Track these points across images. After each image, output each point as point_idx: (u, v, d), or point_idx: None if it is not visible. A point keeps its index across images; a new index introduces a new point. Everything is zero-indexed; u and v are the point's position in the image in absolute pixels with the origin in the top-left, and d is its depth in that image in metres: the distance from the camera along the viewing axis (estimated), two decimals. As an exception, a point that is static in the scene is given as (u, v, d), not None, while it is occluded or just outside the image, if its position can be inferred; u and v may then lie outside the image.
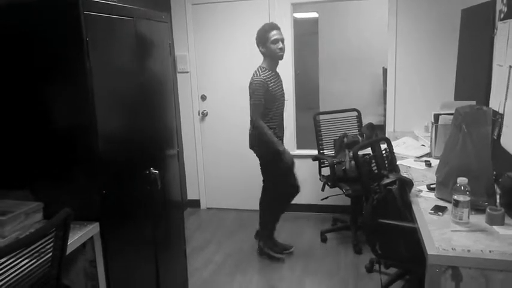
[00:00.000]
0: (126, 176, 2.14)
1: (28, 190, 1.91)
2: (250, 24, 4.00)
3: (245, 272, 3.23)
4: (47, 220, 1.82)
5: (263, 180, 3.36)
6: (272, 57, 3.11)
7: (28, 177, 1.95)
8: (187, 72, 4.30)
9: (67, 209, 1.44)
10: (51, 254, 1.43)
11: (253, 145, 3.20)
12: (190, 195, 4.58)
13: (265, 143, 3.08)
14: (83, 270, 1.89)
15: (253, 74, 3.07)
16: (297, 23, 4.26)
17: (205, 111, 4.38)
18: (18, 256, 1.28)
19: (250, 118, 3.12)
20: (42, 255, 1.39)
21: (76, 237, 1.75)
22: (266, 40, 3.08)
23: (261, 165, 3.26)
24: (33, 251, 1.33)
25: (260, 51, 3.14)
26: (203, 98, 4.36)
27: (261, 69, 3.09)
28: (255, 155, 3.22)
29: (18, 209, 1.79)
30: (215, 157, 4.43)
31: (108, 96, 1.96)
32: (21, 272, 1.31)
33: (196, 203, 4.57)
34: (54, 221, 1.40)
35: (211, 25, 4.19)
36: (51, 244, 1.42)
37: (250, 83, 3.06)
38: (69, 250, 1.63)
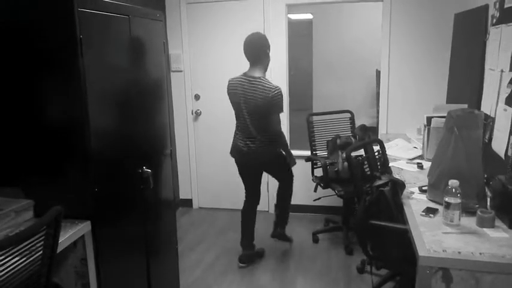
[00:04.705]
0: (119, 175, 2.12)
1: (19, 188, 1.89)
2: (244, 24, 4.00)
3: (236, 272, 3.23)
4: (38, 218, 1.81)
5: (276, 178, 3.40)
6: (265, 66, 3.08)
7: (19, 174, 1.93)
8: (181, 71, 4.29)
9: (58, 207, 1.43)
10: (41, 252, 1.42)
11: (264, 157, 3.13)
12: (183, 195, 4.57)
13: (282, 145, 3.19)
14: (73, 268, 1.88)
15: (266, 86, 2.93)
16: (291, 25, 4.27)
17: (198, 111, 4.37)
18: (8, 254, 1.27)
19: (265, 131, 3.05)
20: (33, 253, 1.38)
21: (67, 236, 1.74)
22: (269, 49, 3.07)
23: (275, 170, 3.30)
24: (23, 249, 1.32)
25: (263, 56, 3.03)
26: (197, 97, 4.35)
27: (266, 80, 3.00)
28: (257, 164, 3.20)
29: (8, 206, 1.77)
30: (208, 157, 4.42)
31: (102, 94, 1.94)
32: (11, 269, 1.30)
33: (188, 203, 4.56)
34: (45, 219, 1.39)
35: (205, 24, 4.18)
36: (42, 242, 1.40)
37: (271, 97, 2.90)
38: (59, 248, 1.61)
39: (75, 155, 1.85)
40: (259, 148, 3.08)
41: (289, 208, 3.44)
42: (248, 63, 3.09)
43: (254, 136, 3.06)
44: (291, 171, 3.33)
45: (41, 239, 1.39)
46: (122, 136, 2.14)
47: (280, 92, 2.96)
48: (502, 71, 2.33)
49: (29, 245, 1.34)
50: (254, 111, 3.00)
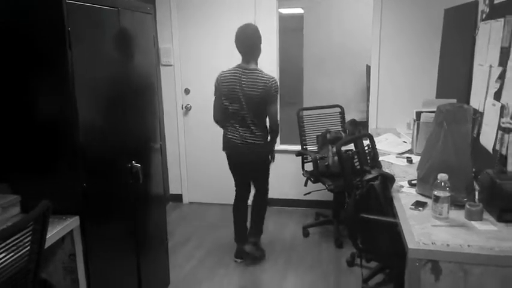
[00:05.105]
0: (108, 169, 2.10)
1: (6, 183, 1.86)
2: (235, 17, 3.97)
3: (227, 266, 3.23)
4: (26, 214, 1.78)
5: (255, 183, 3.29)
6: (257, 58, 3.05)
7: (6, 170, 1.89)
8: (171, 65, 4.26)
9: (46, 202, 1.41)
10: (29, 247, 1.40)
11: (255, 150, 3.07)
12: (173, 190, 4.55)
13: (275, 139, 3.18)
14: (61, 264, 1.86)
15: (265, 77, 2.94)
16: (282, 19, 4.25)
17: (188, 105, 4.34)
18: (-6, 250, 1.25)
19: (264, 123, 3.06)
20: (20, 249, 1.36)
21: (55, 231, 1.72)
22: (261, 41, 3.04)
23: (257, 168, 3.20)
24: (10, 245, 1.30)
25: (256, 49, 3.01)
26: (187, 91, 4.32)
27: (262, 71, 3.00)
28: (250, 161, 3.12)
29: (-6, 202, 1.74)
30: (198, 151, 4.40)
31: (90, 88, 1.92)
32: (-2, 265, 1.28)
33: (178, 198, 4.54)
34: (32, 215, 1.37)
35: (196, 18, 4.14)
36: (29, 238, 1.39)
37: (271, 87, 2.92)
38: (47, 244, 1.59)
39: (63, 150, 1.83)
40: (257, 143, 3.05)
41: (264, 218, 3.36)
42: (239, 55, 3.06)
43: (253, 129, 3.03)
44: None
45: (28, 234, 1.37)
46: (111, 130, 2.12)
47: (277, 82, 3.00)
48: (490, 66, 2.35)
49: (16, 241, 1.32)
50: (254, 102, 2.97)
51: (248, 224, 3.34)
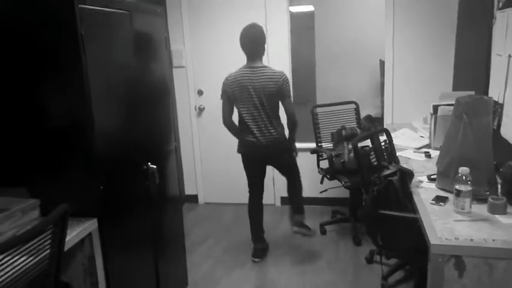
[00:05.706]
0: (124, 172, 2.11)
1: (24, 187, 1.88)
2: (246, 17, 3.95)
3: (244, 265, 3.22)
4: (44, 217, 1.80)
5: (283, 173, 3.34)
6: (262, 57, 3.07)
7: (24, 174, 1.92)
8: (183, 67, 4.26)
9: (64, 205, 1.41)
10: (49, 250, 1.41)
11: (282, 145, 3.13)
12: (188, 191, 4.56)
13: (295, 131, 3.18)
14: (81, 266, 1.87)
15: (275, 73, 2.99)
16: (293, 17, 4.23)
17: (202, 106, 4.35)
18: (15, 253, 1.26)
19: (279, 118, 3.10)
20: (40, 252, 1.37)
21: (74, 234, 1.73)
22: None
23: (290, 162, 3.24)
24: (30, 248, 1.31)
25: (262, 49, 3.04)
26: (200, 92, 4.33)
27: (270, 67, 3.06)
28: (272, 157, 3.16)
29: (14, 206, 1.75)
30: (212, 152, 4.40)
31: (105, 91, 1.93)
32: (19, 269, 1.29)
33: (194, 198, 4.55)
34: (52, 218, 1.38)
35: (207, 18, 4.14)
36: (49, 241, 1.39)
37: (283, 82, 2.98)
38: (67, 247, 1.60)
39: (80, 153, 1.84)
40: (276, 137, 3.08)
41: (302, 199, 3.36)
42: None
43: (270, 126, 3.04)
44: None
45: (47, 237, 1.38)
46: (126, 133, 2.13)
47: (286, 75, 3.04)
48: (509, 55, 2.29)
49: (36, 244, 1.33)
50: (269, 100, 2.99)
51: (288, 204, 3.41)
